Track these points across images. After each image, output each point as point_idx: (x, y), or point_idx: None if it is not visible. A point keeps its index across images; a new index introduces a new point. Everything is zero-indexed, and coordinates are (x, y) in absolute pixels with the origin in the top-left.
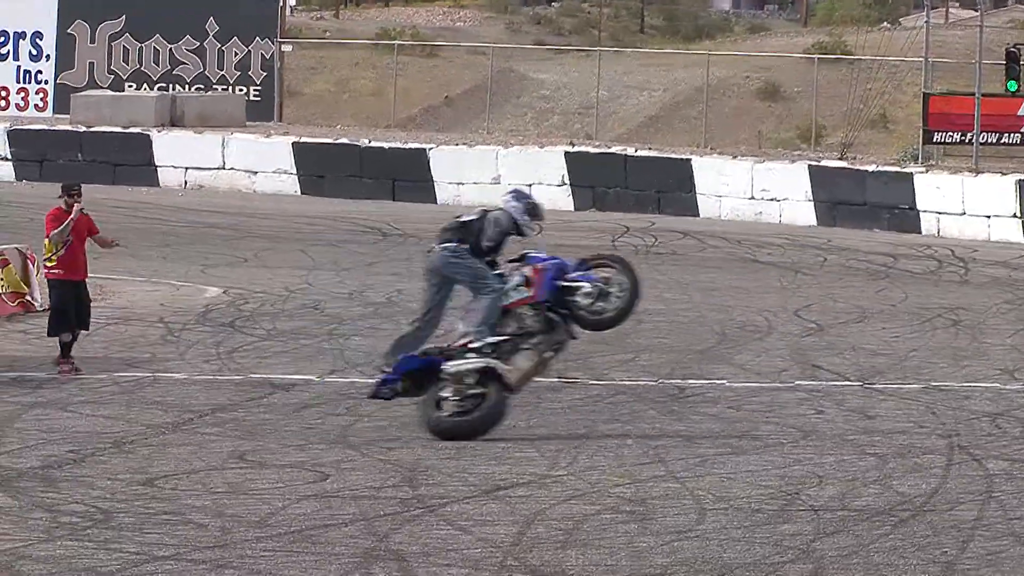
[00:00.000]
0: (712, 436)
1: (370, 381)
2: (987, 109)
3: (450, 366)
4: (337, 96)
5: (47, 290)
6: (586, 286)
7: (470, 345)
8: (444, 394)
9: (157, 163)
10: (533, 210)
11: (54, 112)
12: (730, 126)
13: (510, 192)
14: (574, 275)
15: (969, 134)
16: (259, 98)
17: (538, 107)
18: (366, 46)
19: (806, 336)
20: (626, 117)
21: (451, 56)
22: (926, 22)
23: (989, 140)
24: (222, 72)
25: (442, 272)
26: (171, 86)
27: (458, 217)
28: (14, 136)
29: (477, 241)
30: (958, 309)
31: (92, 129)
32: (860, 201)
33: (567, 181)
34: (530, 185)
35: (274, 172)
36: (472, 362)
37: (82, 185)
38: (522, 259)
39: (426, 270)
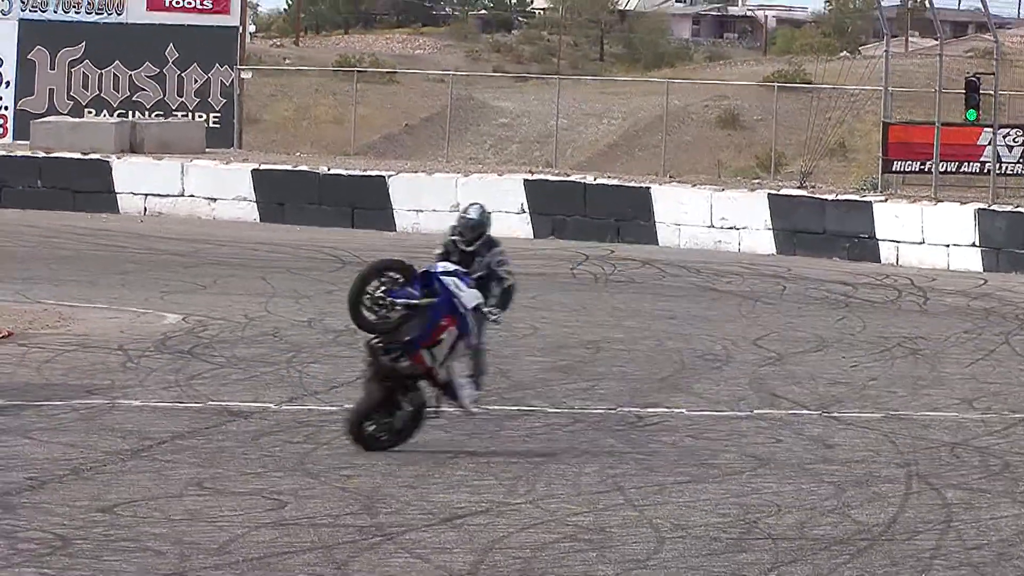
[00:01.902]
0: (670, 464)
1: (329, 408)
2: (947, 138)
3: None
4: (296, 123)
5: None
6: None
7: None
8: None
9: (117, 190)
10: None
11: (14, 138)
12: (689, 154)
13: None
14: None
15: (928, 163)
16: (218, 125)
17: (497, 135)
18: (326, 73)
19: (765, 365)
20: (585, 145)
21: (411, 83)
22: (886, 51)
23: (949, 169)
24: (182, 99)
25: None
26: (131, 112)
27: None
28: None
29: None
30: (917, 338)
31: (51, 155)
32: (819, 230)
33: (526, 209)
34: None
35: (234, 199)
36: None
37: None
38: None
39: None
